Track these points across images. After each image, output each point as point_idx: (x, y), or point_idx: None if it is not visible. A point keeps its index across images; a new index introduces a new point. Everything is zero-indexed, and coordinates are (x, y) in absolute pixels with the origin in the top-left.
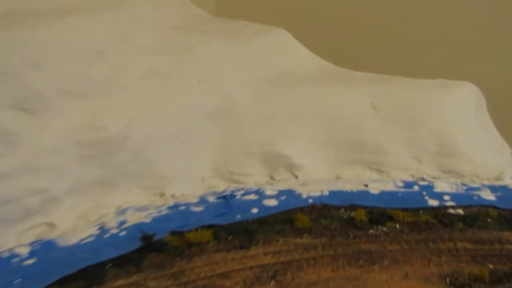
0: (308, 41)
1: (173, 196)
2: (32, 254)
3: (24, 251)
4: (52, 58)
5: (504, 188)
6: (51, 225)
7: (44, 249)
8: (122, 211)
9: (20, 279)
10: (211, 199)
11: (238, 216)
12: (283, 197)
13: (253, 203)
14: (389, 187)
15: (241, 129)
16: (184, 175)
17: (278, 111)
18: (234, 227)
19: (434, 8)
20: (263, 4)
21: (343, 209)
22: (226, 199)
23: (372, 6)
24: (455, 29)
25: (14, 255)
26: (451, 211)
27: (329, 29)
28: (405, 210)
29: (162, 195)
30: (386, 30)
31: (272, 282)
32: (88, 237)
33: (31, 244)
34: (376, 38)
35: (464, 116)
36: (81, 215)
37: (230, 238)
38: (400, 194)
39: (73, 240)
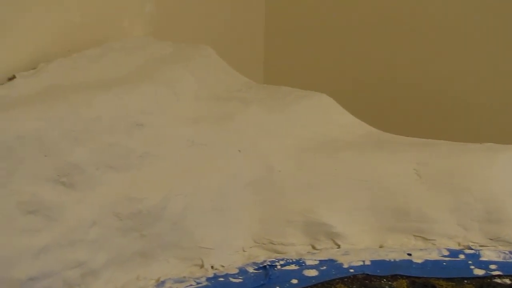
0: (354, 104)
1: (212, 267)
2: None
3: None
4: (90, 131)
5: None
6: None
7: None
8: (160, 283)
9: None
10: (251, 270)
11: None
12: (324, 267)
13: (293, 274)
14: (434, 256)
15: (282, 198)
16: (223, 245)
17: (319, 178)
18: None
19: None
20: (311, 68)
21: (385, 279)
22: (266, 269)
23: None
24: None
25: None
26: (498, 280)
27: (376, 92)
28: (449, 280)
29: (201, 266)
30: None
31: None
32: None
33: None
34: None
35: None
36: None
37: None
38: (444, 263)
39: None
